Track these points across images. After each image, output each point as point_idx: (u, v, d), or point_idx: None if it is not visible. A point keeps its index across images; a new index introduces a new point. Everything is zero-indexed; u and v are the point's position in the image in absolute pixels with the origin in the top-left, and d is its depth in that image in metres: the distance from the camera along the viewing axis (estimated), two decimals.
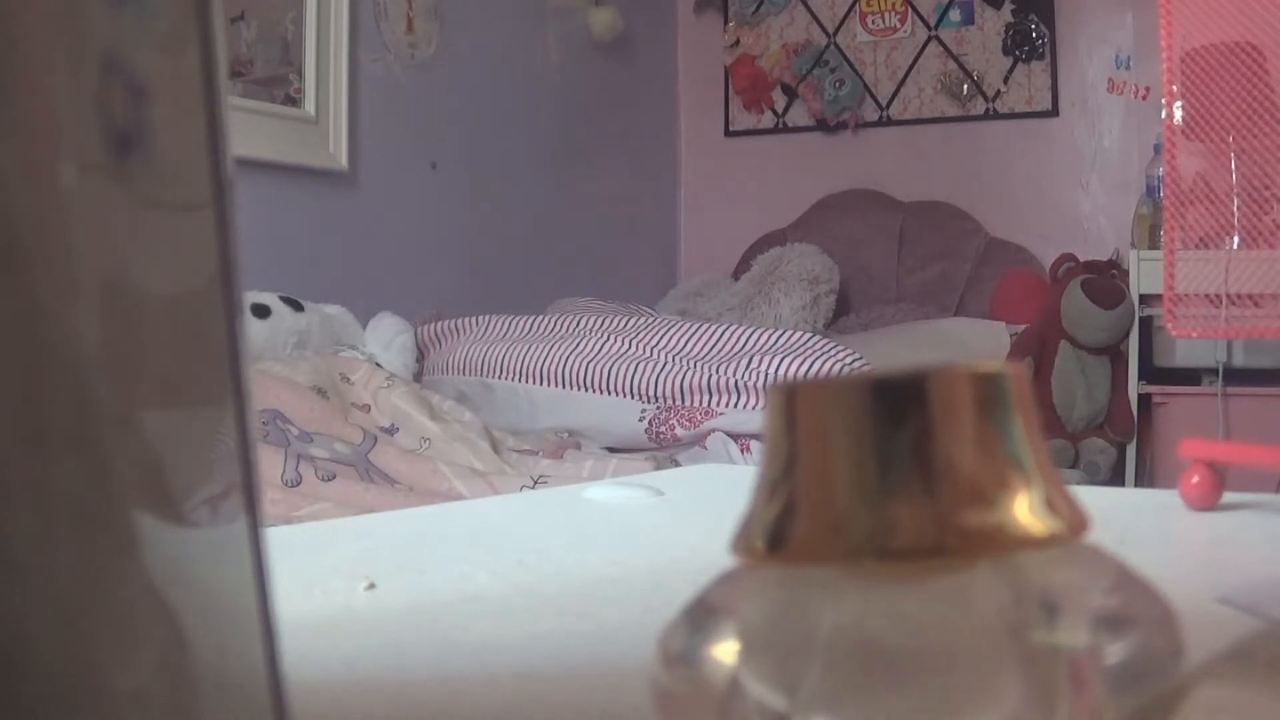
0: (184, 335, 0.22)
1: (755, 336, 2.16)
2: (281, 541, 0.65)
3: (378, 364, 2.08)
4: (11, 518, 0.18)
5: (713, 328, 2.24)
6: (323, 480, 1.57)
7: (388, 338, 2.37)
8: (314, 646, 0.43)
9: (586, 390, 2.17)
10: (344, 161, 2.83)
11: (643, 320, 2.36)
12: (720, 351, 2.14)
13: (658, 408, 2.08)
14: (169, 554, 0.21)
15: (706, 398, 2.04)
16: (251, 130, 2.54)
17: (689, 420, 2.02)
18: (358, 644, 0.45)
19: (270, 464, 1.56)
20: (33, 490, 0.18)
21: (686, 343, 2.18)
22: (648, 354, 2.17)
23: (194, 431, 0.22)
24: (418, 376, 2.36)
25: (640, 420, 2.08)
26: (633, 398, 2.12)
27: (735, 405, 2.01)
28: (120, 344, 0.20)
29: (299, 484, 1.56)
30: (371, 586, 0.54)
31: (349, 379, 1.93)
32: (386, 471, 1.68)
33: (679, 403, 2.06)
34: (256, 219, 2.48)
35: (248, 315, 2.05)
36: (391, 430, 1.84)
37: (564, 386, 2.20)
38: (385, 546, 0.66)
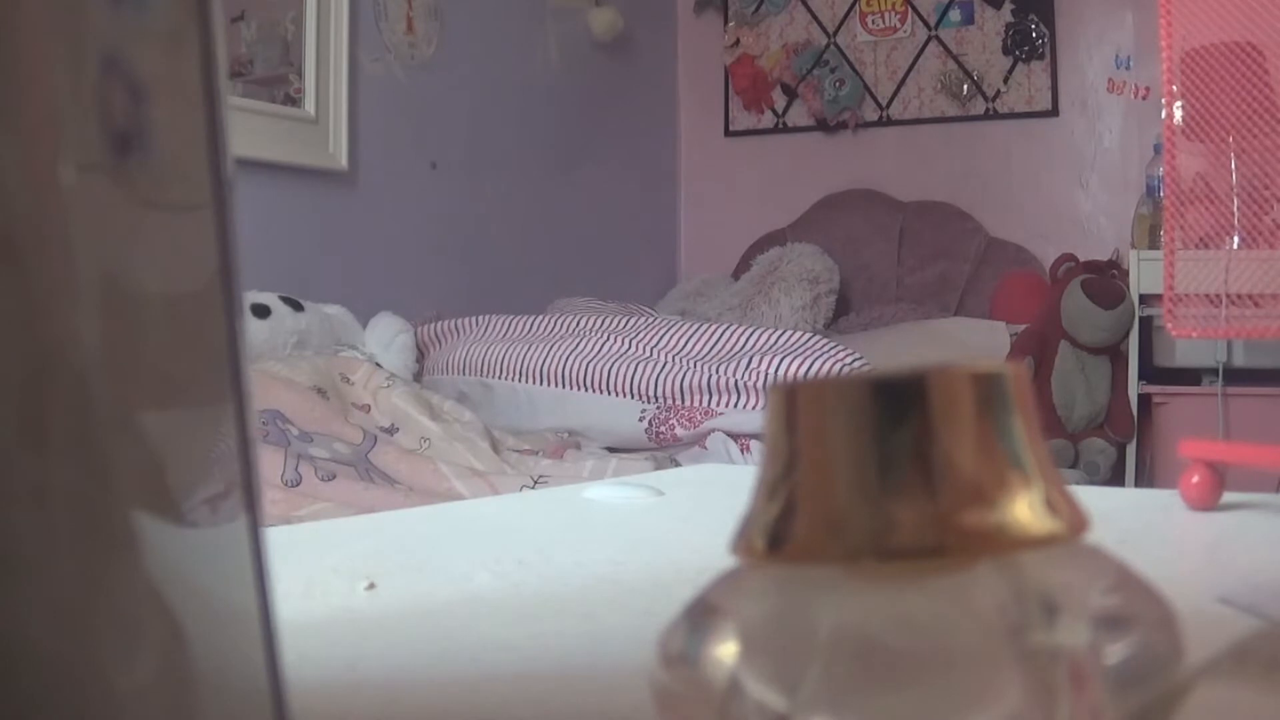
0: (184, 335, 0.22)
1: (755, 336, 2.16)
2: (281, 541, 0.65)
3: (377, 364, 2.08)
4: (12, 518, 0.18)
5: (712, 328, 2.23)
6: (323, 480, 1.57)
7: (388, 338, 2.37)
8: (314, 646, 0.43)
9: (586, 390, 2.17)
10: (344, 161, 2.83)
11: (642, 320, 2.36)
12: (720, 351, 2.14)
13: (658, 408, 2.08)
14: (169, 554, 0.21)
15: (706, 398, 2.04)
16: (251, 130, 2.54)
17: (689, 420, 2.02)
18: (358, 644, 0.45)
19: (270, 464, 1.56)
20: (33, 490, 0.18)
21: (686, 343, 2.18)
22: (647, 354, 2.17)
23: (194, 431, 0.22)
24: (417, 376, 2.36)
25: (640, 420, 2.08)
26: (633, 398, 2.12)
27: (735, 405, 2.01)
28: (120, 344, 0.20)
29: (299, 484, 1.56)
30: (371, 586, 0.54)
31: (349, 379, 1.93)
32: (387, 471, 1.68)
33: (679, 403, 2.06)
34: (256, 219, 2.48)
35: (248, 315, 2.05)
36: (391, 430, 1.84)
37: (564, 386, 2.20)
38: (385, 546, 0.66)
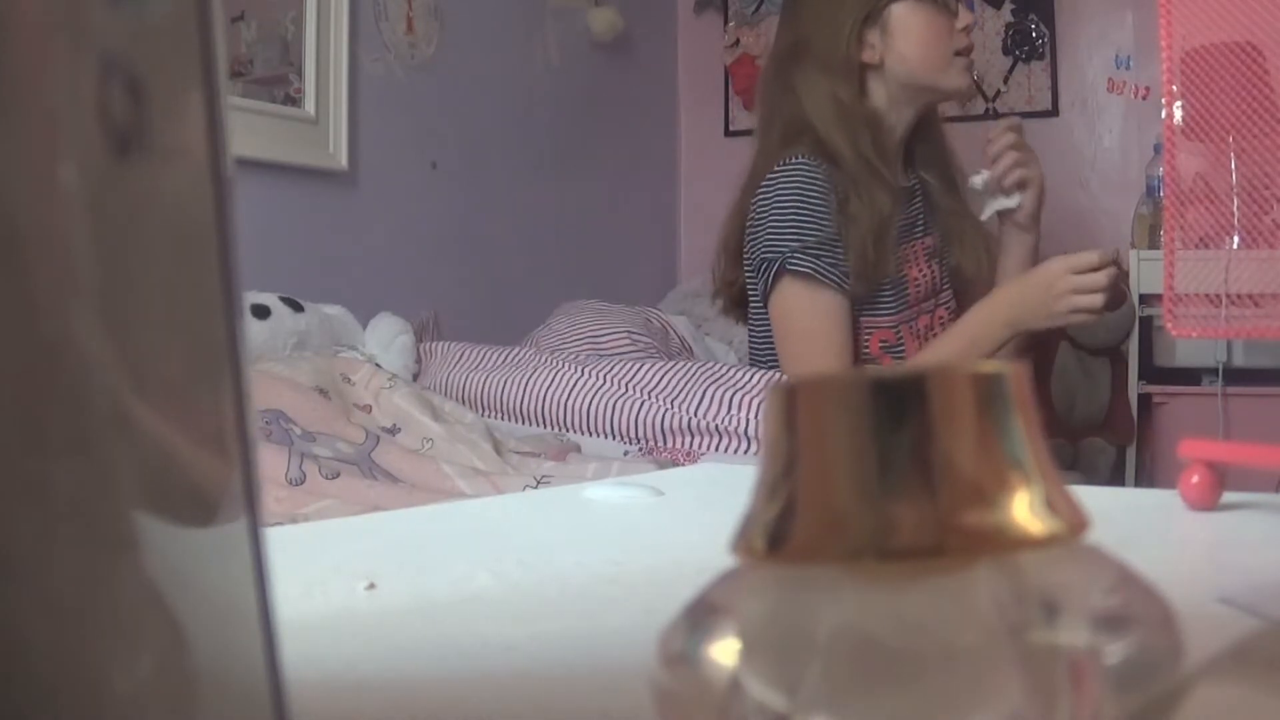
0: (184, 335, 0.22)
1: (729, 374, 2.09)
2: (282, 541, 0.65)
3: (378, 365, 2.08)
4: (11, 518, 0.18)
5: (689, 366, 2.17)
6: (326, 478, 1.57)
7: (388, 338, 2.36)
8: (314, 646, 0.43)
9: (568, 430, 2.12)
10: (344, 161, 2.83)
11: (619, 360, 2.28)
12: (695, 390, 2.07)
13: (639, 449, 2.04)
14: (169, 554, 0.21)
15: (687, 439, 2.01)
16: (251, 130, 2.54)
17: (671, 463, 1.98)
18: (358, 644, 0.45)
19: (274, 462, 1.56)
20: (33, 490, 0.18)
21: (660, 379, 2.12)
22: (623, 390, 2.11)
23: (194, 431, 0.22)
24: (417, 377, 2.36)
25: (625, 459, 2.04)
26: (614, 438, 2.08)
27: (718, 449, 1.98)
28: (120, 344, 0.20)
29: (303, 482, 1.56)
30: (371, 586, 0.54)
31: (350, 380, 1.92)
32: (390, 470, 1.67)
33: (660, 444, 2.03)
34: (256, 219, 2.48)
35: (248, 315, 2.05)
36: (393, 430, 1.84)
37: (544, 425, 2.15)
38: (386, 546, 0.66)
